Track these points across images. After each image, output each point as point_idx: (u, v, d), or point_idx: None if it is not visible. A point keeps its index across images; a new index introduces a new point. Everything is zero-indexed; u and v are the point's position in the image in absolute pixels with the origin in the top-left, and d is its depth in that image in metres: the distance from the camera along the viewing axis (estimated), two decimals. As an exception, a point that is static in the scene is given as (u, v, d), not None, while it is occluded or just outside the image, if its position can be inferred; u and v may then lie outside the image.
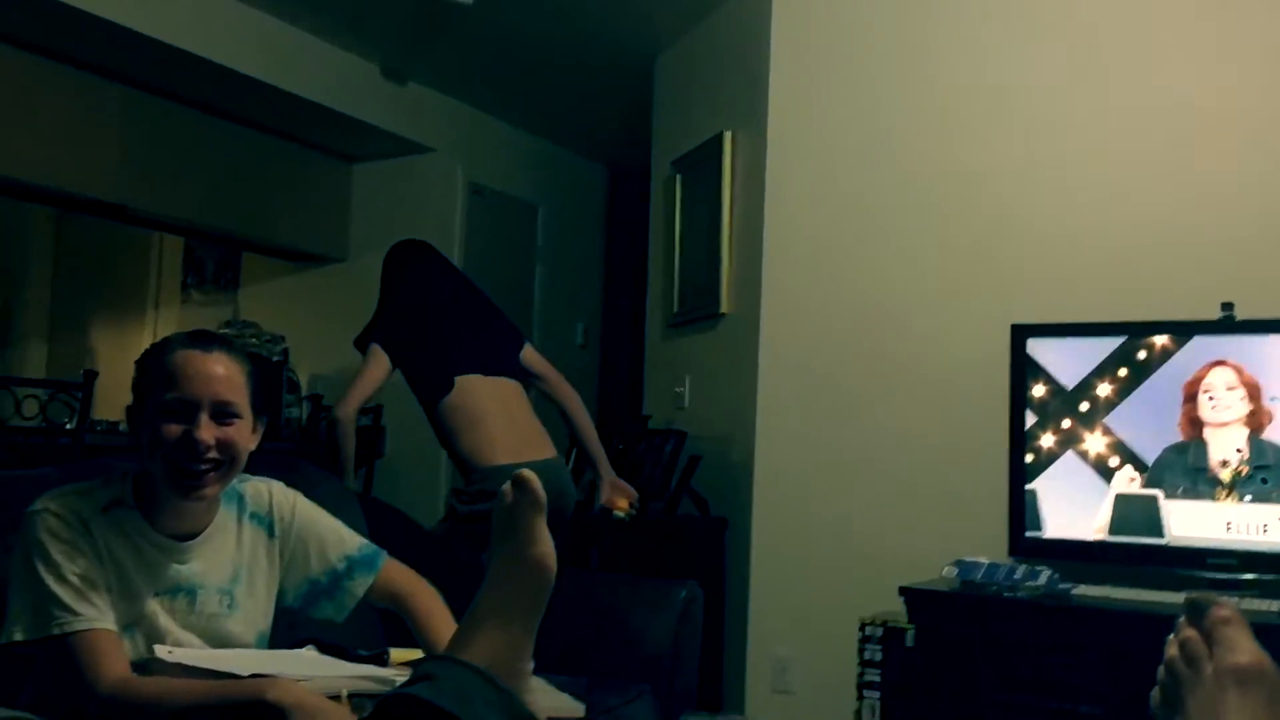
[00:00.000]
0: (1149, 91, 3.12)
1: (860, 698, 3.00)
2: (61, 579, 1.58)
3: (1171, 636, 0.97)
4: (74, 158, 4.67)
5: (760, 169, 3.71)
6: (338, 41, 4.89)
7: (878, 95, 3.52)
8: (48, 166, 4.60)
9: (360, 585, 1.92)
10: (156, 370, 1.66)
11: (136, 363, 1.70)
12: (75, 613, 1.57)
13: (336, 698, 1.57)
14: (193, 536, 1.75)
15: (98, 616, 1.59)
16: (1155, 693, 0.97)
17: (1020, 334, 2.96)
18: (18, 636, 1.57)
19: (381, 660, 1.96)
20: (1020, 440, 2.93)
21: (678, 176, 4.41)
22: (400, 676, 1.52)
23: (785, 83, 3.68)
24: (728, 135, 3.95)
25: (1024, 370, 2.94)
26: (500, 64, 5.15)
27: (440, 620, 1.89)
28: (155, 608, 1.69)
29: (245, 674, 1.57)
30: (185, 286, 6.67)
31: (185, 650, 1.67)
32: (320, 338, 5.71)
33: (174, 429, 1.63)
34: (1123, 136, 3.14)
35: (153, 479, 1.69)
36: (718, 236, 3.95)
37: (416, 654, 1.95)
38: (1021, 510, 2.91)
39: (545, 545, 1.07)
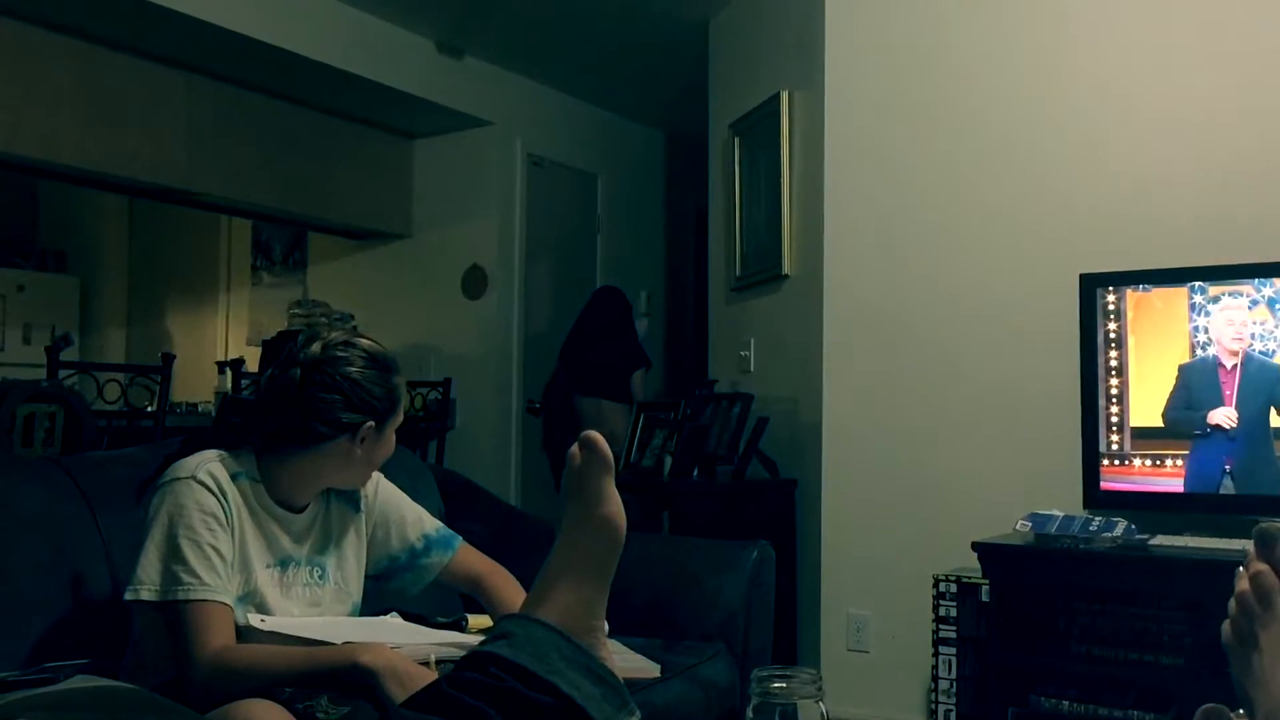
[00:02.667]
0: (1218, 32, 3.03)
1: (936, 654, 3.00)
2: (197, 547, 1.65)
3: (1241, 569, 0.95)
4: (142, 146, 4.77)
5: (819, 126, 3.67)
6: (393, 19, 4.93)
7: (936, 45, 3.46)
8: (117, 156, 4.71)
9: (437, 563, 2.00)
10: (393, 393, 1.82)
11: (361, 380, 1.77)
12: (202, 582, 1.63)
13: (425, 663, 1.62)
14: (299, 510, 1.83)
15: (220, 588, 1.65)
16: (1226, 627, 0.96)
17: (1090, 283, 2.92)
18: (144, 596, 1.64)
19: (460, 626, 2.02)
20: (1092, 390, 2.89)
21: (736, 139, 4.39)
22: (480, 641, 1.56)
23: (842, 36, 3.63)
24: (785, 94, 3.92)
25: (1094, 319, 2.89)
26: (554, 34, 5.15)
27: (517, 600, 1.94)
28: (265, 579, 1.76)
29: (337, 641, 1.62)
30: (255, 269, 6.80)
31: (278, 619, 1.73)
32: (387, 314, 5.79)
33: (394, 441, 1.85)
34: (1192, 80, 3.05)
35: (275, 454, 1.77)
36: (778, 197, 3.93)
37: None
38: (1095, 461, 2.87)
39: (614, 504, 1.08)
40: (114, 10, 4.13)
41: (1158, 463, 2.81)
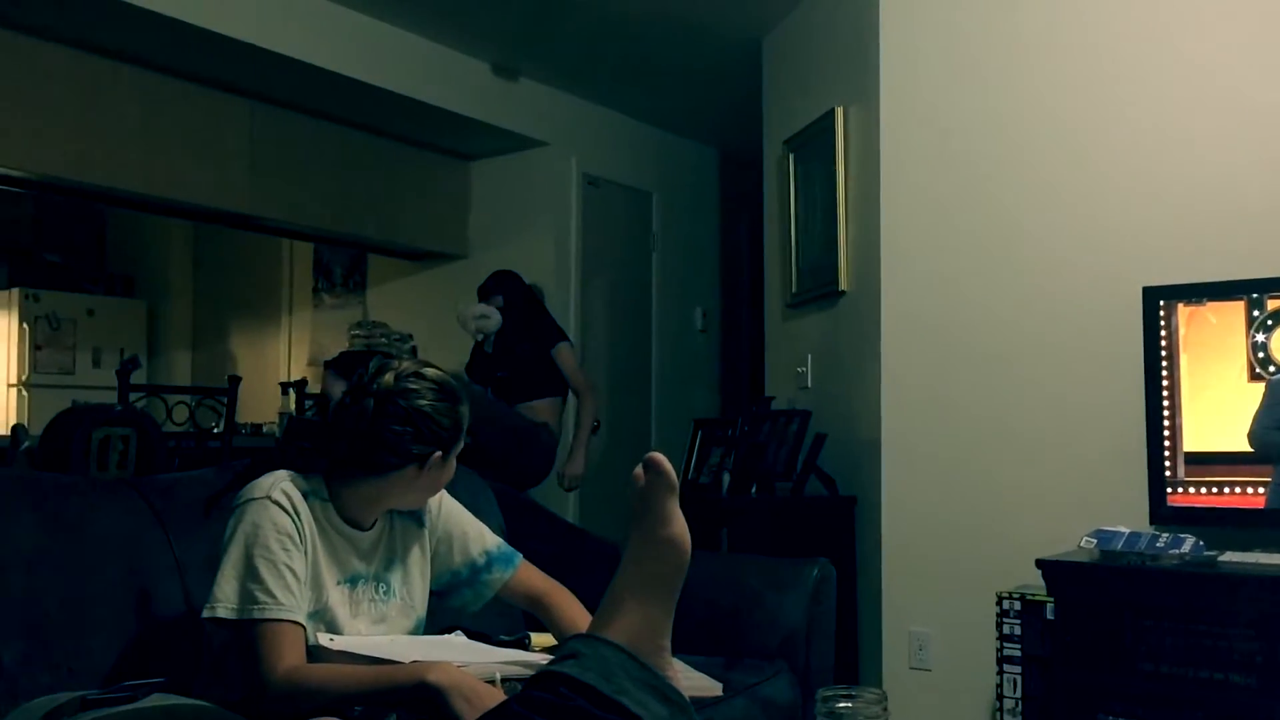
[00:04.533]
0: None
1: (1000, 672, 2.97)
2: (273, 566, 1.69)
3: None
4: (206, 172, 4.88)
5: (874, 142, 3.67)
6: (450, 43, 5.00)
7: (992, 60, 3.44)
8: (182, 182, 4.82)
9: (498, 579, 2.02)
10: (460, 423, 1.84)
11: (431, 412, 1.80)
12: (277, 601, 1.68)
13: (491, 681, 1.64)
14: (367, 529, 1.87)
15: (294, 607, 1.69)
16: None
17: (1153, 296, 2.87)
18: (220, 614, 1.68)
19: (523, 645, 2.04)
20: (1157, 405, 2.85)
21: (790, 155, 4.40)
22: (547, 660, 1.58)
23: (896, 52, 3.63)
24: (839, 111, 3.92)
25: (1158, 333, 2.85)
26: (608, 54, 5.19)
27: (579, 618, 1.96)
28: (336, 596, 1.80)
29: (404, 660, 1.65)
30: (316, 291, 6.91)
31: (346, 638, 1.77)
32: (446, 334, 5.84)
33: (454, 465, 1.89)
34: (1252, 85, 3.01)
35: (342, 477, 1.82)
36: (834, 213, 3.93)
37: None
38: (1162, 477, 2.83)
39: (679, 525, 1.10)
40: (179, 40, 4.24)
41: (1219, 491, 2.74)
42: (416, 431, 1.78)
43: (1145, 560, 2.66)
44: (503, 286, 4.74)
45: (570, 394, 4.71)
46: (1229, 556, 2.63)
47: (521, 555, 2.08)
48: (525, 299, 4.76)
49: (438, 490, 1.91)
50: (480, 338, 4.71)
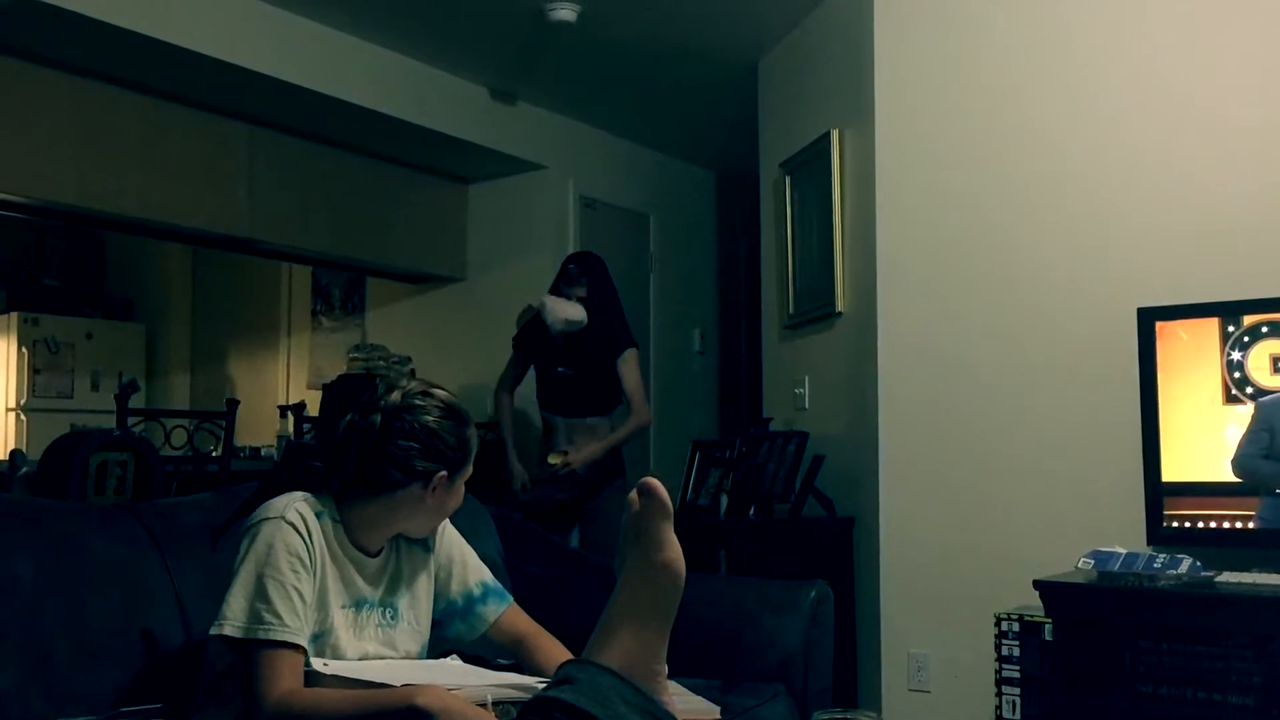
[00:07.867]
0: (1273, 61, 3.01)
1: (999, 694, 2.96)
2: (281, 588, 1.70)
3: None
4: (206, 197, 4.89)
5: (870, 164, 3.69)
6: (448, 68, 5.02)
7: (986, 84, 3.47)
8: (182, 207, 4.83)
9: (492, 611, 2.04)
10: (467, 444, 1.87)
11: (437, 429, 1.82)
12: (283, 623, 1.69)
13: (482, 704, 1.64)
14: (374, 554, 1.88)
15: (298, 631, 1.70)
16: None
17: (1148, 317, 2.89)
18: (228, 631, 1.69)
19: (519, 669, 2.03)
20: (1154, 426, 2.86)
21: (787, 178, 4.42)
22: (540, 684, 1.59)
23: (891, 75, 3.65)
24: (835, 133, 3.94)
25: (1153, 354, 2.86)
26: (605, 78, 5.22)
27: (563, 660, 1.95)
28: (340, 619, 1.81)
29: (396, 684, 1.65)
30: (315, 314, 6.92)
31: (340, 663, 1.77)
32: (444, 356, 5.85)
33: (463, 492, 1.90)
34: (1243, 111, 3.03)
35: (350, 499, 1.83)
36: (830, 235, 3.94)
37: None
38: (1159, 497, 2.83)
39: (673, 550, 1.10)
40: (178, 66, 4.26)
41: (1196, 525, 2.72)
42: (423, 449, 1.80)
43: (1143, 581, 2.66)
44: (587, 273, 4.34)
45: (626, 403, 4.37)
46: (1226, 577, 2.63)
47: (513, 598, 2.09)
48: (609, 292, 4.39)
49: (445, 516, 1.92)
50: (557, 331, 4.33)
